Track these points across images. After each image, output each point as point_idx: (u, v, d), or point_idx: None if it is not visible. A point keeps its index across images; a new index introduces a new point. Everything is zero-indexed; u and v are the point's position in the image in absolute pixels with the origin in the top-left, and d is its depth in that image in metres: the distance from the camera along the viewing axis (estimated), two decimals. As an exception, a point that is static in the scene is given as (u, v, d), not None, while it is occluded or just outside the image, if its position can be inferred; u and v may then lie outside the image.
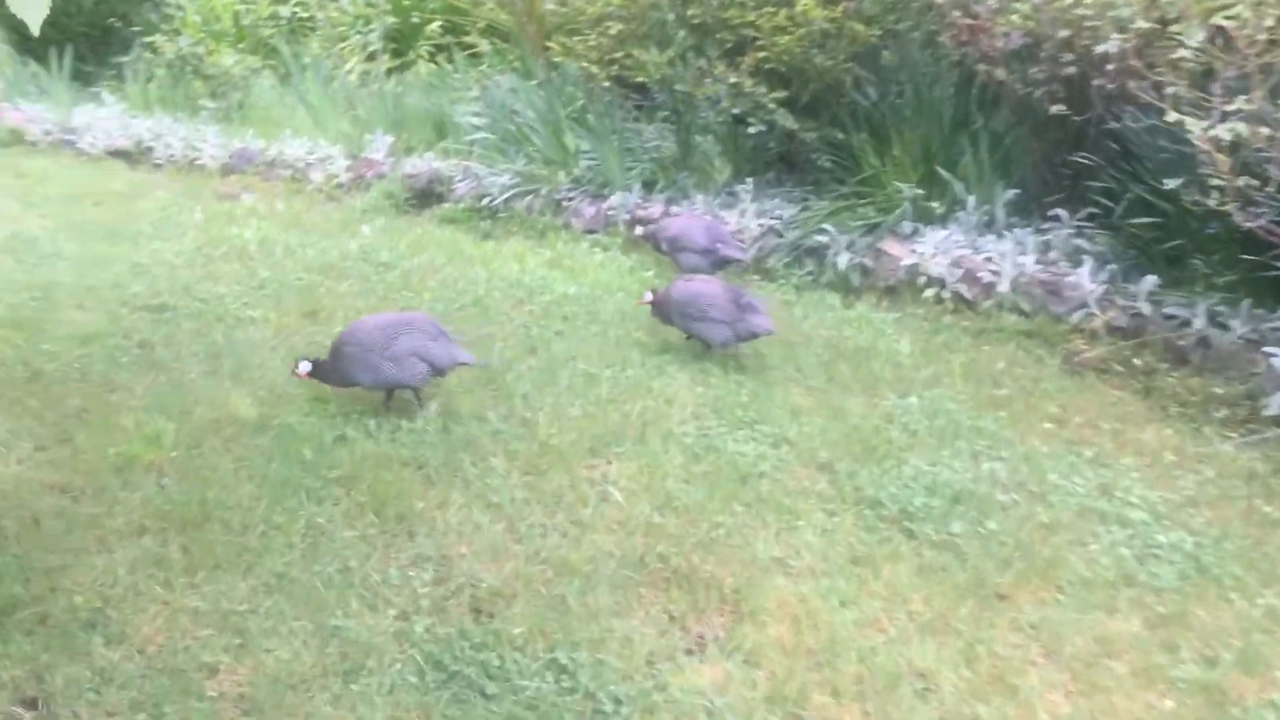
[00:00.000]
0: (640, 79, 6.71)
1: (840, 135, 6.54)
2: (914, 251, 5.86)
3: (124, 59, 10.61)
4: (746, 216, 6.40)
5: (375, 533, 3.75)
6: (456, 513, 3.86)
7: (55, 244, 6.79)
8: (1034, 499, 3.95)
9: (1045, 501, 3.94)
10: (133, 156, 8.97)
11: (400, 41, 10.23)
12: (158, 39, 9.74)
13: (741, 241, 6.30)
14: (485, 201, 7.33)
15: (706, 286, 4.98)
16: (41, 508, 3.90)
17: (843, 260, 5.98)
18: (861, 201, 6.29)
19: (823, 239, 6.10)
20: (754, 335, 4.94)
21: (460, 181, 7.58)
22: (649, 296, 5.23)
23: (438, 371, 4.50)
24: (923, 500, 3.89)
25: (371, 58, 10.05)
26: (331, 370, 4.51)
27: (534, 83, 8.03)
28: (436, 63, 10.03)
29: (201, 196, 7.93)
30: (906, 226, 6.05)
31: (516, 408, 4.61)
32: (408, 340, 4.41)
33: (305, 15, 11.11)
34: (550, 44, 8.36)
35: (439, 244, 6.79)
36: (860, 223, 6.12)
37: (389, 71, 9.90)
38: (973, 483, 4.03)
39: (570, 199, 7.18)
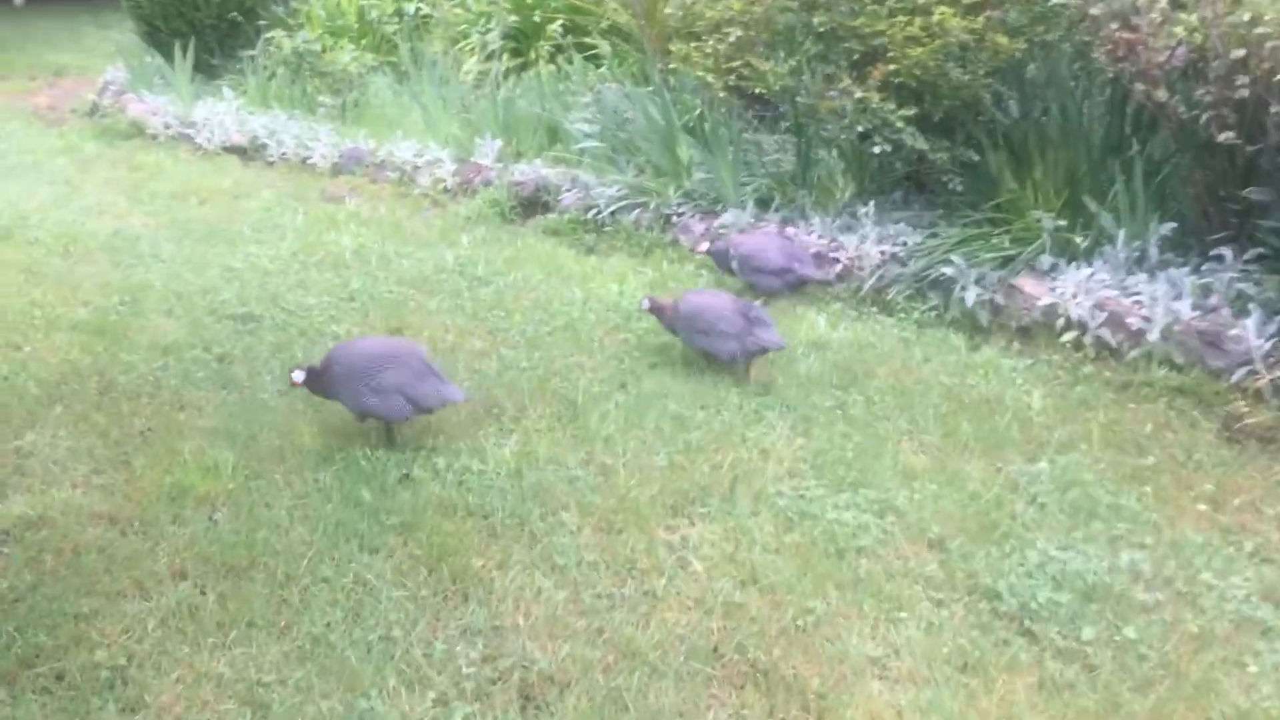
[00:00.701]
0: (759, 89, 6.23)
1: (975, 157, 5.96)
2: (1052, 290, 5.27)
3: (249, 53, 10.59)
4: (867, 242, 5.88)
5: (427, 594, 3.41)
6: (517, 575, 3.49)
7: (154, 244, 6.68)
8: (1182, 601, 3.39)
9: (1196, 605, 3.37)
10: (247, 153, 8.89)
11: (520, 41, 9.95)
12: (278, 34, 9.65)
13: (869, 269, 5.81)
14: (592, 213, 6.97)
15: (714, 300, 4.88)
16: (85, 540, 3.68)
17: (970, 296, 5.42)
18: (996, 230, 5.71)
19: (949, 271, 5.54)
20: (763, 351, 4.80)
21: (567, 191, 7.23)
22: (647, 304, 5.09)
23: (422, 410, 4.20)
24: (1048, 595, 3.36)
25: (490, 57, 9.79)
26: (319, 381, 4.29)
27: (648, 89, 7.62)
28: (556, 64, 9.72)
29: (307, 198, 7.77)
30: (1045, 261, 5.45)
31: (597, 452, 4.22)
32: (393, 375, 4.14)
33: (428, 13, 10.92)
34: (671, 48, 7.97)
35: (538, 259, 6.45)
36: (993, 255, 5.54)
37: (507, 72, 9.63)
38: (1109, 575, 3.48)
39: (680, 214, 6.76)
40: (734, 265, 5.79)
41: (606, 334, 5.39)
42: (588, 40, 9.55)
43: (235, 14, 10.62)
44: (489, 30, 9.79)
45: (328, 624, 3.26)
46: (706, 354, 4.90)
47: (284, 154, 8.65)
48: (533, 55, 9.90)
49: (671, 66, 7.58)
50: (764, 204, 6.64)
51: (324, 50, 9.35)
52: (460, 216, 7.31)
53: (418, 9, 10.95)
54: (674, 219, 6.77)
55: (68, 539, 3.68)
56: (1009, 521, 3.78)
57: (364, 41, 10.62)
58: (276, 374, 4.91)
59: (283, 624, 3.26)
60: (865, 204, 6.24)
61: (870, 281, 5.80)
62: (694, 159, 7.00)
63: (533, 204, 7.37)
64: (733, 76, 6.31)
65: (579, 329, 5.42)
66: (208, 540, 3.66)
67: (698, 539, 3.69)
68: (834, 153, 6.83)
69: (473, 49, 10.07)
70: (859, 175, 6.62)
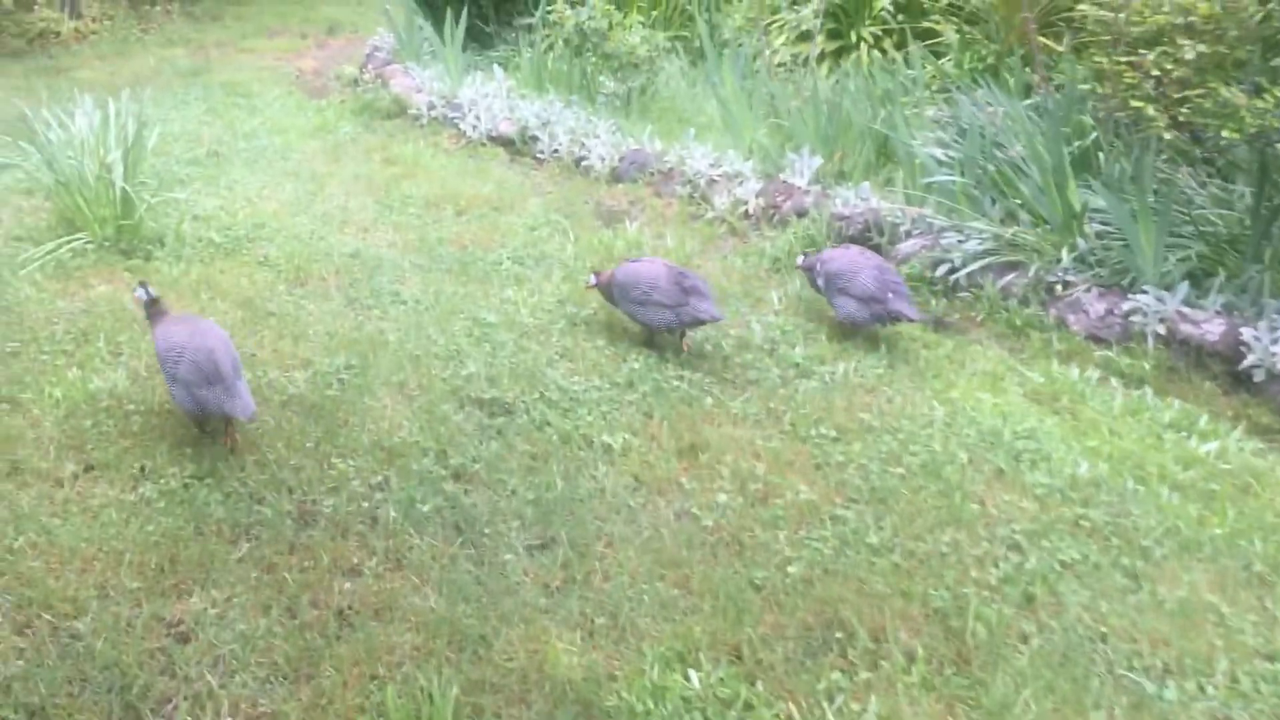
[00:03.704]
0: (1227, 131, 4.33)
1: None
2: None
3: (526, 21, 9.37)
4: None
5: None
6: None
7: (397, 274, 5.47)
8: None
9: None
10: (515, 146, 7.63)
11: (840, 20, 8.26)
12: (559, 4, 8.31)
13: None
14: (941, 270, 5.27)
15: (649, 267, 4.65)
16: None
17: None
18: None
19: None
20: (698, 322, 4.57)
21: (908, 235, 5.57)
22: (593, 280, 4.86)
23: (211, 414, 3.82)
24: None
25: (804, 38, 8.17)
26: None
27: (1028, 103, 5.82)
28: (882, 50, 7.99)
29: (579, 214, 6.42)
30: None
31: (1012, 764, 2.62)
32: (185, 369, 3.76)
33: (731, -22, 9.38)
34: (1050, 44, 6.13)
35: (872, 333, 4.83)
36: None
37: (822, 57, 7.99)
38: None
39: (1069, 283, 4.98)
40: (819, 282, 4.90)
41: (987, 487, 3.73)
42: (927, 24, 7.77)
43: (514, -25, 9.41)
44: (805, 5, 8.13)
45: None
46: (642, 325, 4.66)
47: (556, 151, 7.33)
48: (853, 38, 8.21)
49: (1054, 69, 5.75)
50: (1196, 280, 4.77)
51: (611, 27, 7.93)
52: (766, 256, 5.76)
53: (719, -27, 9.42)
54: (1059, 289, 4.99)
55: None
56: None
57: (654, 14, 9.19)
58: (528, 522, 3.55)
59: None
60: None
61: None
62: (1091, 205, 5.18)
63: (859, 244, 5.73)
64: (1185, 109, 4.43)
65: (946, 475, 3.79)
66: None
67: None
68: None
69: (781, 27, 8.46)
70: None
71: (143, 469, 3.80)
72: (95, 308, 5.01)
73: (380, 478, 3.78)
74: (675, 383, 4.42)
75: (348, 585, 3.26)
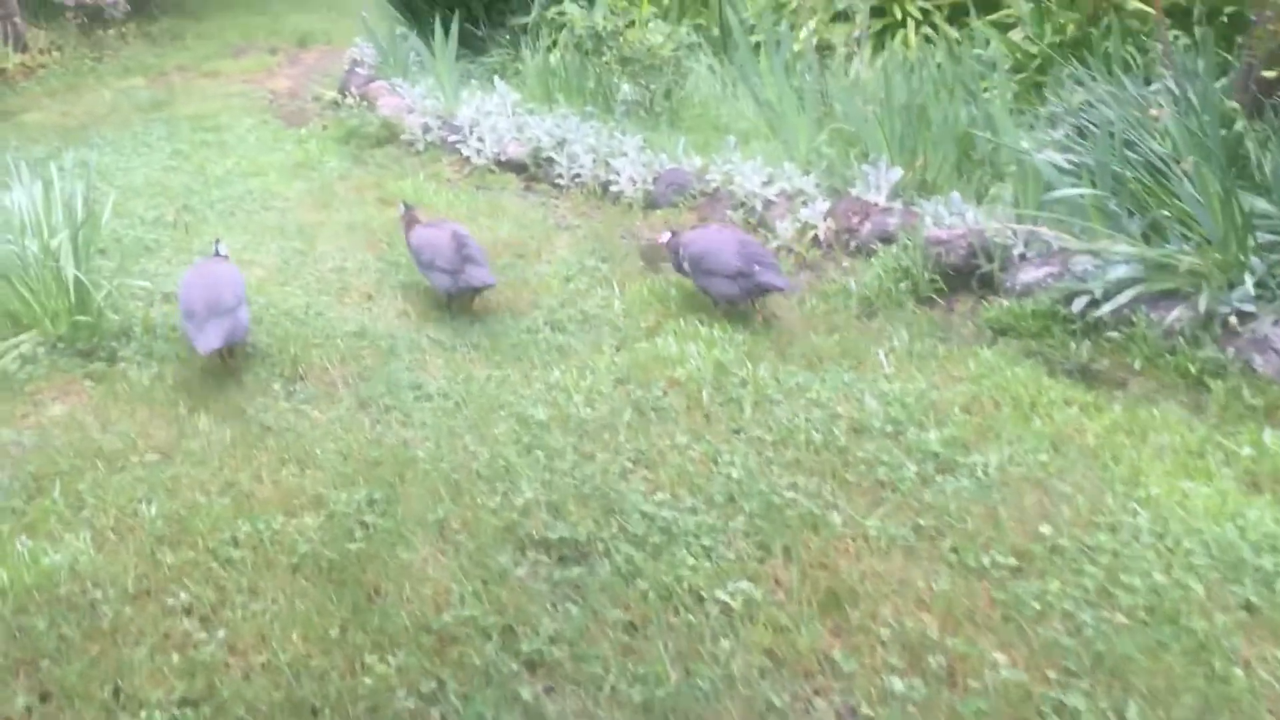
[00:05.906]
0: None
1: None
2: None
3: (521, 20, 8.38)
4: None
5: None
6: None
7: (417, 358, 4.52)
8: None
9: None
10: (528, 171, 6.65)
11: (883, -3, 7.27)
12: (566, 5, 7.29)
13: None
14: (1079, 305, 4.32)
15: (436, 234, 4.80)
16: None
17: None
18: None
19: None
20: (472, 289, 4.73)
21: (1028, 262, 4.61)
22: (402, 210, 5.17)
23: None
24: None
25: (840, 20, 7.18)
26: None
27: (1154, 88, 4.85)
28: (934, 26, 7.02)
29: (616, 253, 5.46)
30: None
31: None
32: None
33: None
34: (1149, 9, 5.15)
35: (1018, 404, 3.89)
36: None
37: (872, 35, 7.00)
38: None
39: (1247, 314, 4.03)
40: (684, 265, 4.74)
41: (1246, 639, 2.79)
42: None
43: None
44: (842, -18, 7.13)
45: None
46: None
47: (577, 175, 6.36)
48: (898, 15, 7.22)
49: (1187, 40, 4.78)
50: None
51: (628, 25, 6.91)
52: (853, 297, 4.80)
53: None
54: (1236, 322, 4.04)
55: None
56: None
57: (665, 1, 8.18)
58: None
59: None
60: None
61: None
62: (1255, 213, 4.23)
63: (964, 274, 4.79)
64: None
65: (1184, 621, 2.85)
66: None
67: None
68: None
69: (812, 8, 7.46)
70: None
71: (116, 694, 2.86)
72: (50, 439, 4.04)
73: (433, 683, 2.84)
74: (788, 494, 3.47)
75: None
